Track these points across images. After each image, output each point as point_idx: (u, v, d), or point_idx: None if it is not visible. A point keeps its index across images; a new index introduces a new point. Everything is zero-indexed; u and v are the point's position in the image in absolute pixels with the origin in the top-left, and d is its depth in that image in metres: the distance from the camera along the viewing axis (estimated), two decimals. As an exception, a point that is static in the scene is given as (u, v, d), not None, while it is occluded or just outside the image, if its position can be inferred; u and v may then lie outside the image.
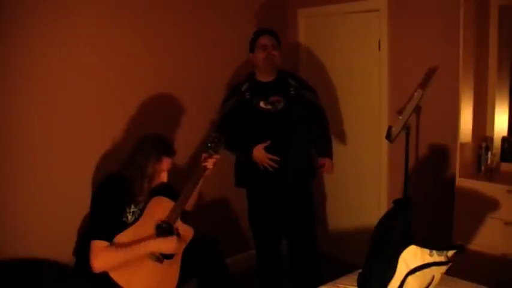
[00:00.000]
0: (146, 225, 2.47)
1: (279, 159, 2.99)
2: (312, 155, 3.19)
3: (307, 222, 3.22)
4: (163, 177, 2.55)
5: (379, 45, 3.52)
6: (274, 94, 3.05)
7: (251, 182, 3.15)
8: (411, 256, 1.91)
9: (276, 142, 3.01)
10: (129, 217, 2.46)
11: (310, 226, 3.23)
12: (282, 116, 3.04)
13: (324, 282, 2.34)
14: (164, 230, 2.51)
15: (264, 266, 3.28)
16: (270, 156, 2.98)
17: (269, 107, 3.03)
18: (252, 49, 3.11)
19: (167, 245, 2.45)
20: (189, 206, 2.79)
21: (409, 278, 1.91)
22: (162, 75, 3.25)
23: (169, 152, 2.53)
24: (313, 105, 3.18)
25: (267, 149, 2.99)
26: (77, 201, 2.80)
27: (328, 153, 3.17)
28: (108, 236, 2.34)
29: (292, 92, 3.08)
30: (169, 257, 2.52)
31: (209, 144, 2.71)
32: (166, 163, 2.51)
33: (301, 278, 3.23)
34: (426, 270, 1.92)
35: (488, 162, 2.96)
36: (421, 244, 1.91)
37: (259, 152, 2.98)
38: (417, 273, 1.91)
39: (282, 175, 3.03)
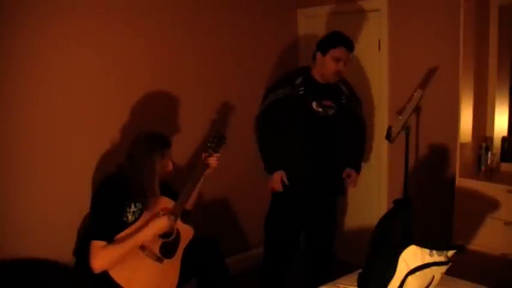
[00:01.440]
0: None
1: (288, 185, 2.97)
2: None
3: (330, 230, 3.20)
4: (170, 165, 2.57)
5: (379, 45, 3.52)
6: (327, 98, 2.96)
7: (297, 183, 3.02)
8: (411, 256, 1.91)
9: (321, 148, 2.98)
10: (130, 217, 2.46)
11: (331, 234, 3.21)
12: (331, 123, 2.98)
13: (324, 282, 2.35)
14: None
15: (272, 268, 3.18)
16: (281, 187, 2.96)
17: (320, 109, 2.94)
18: (322, 51, 2.91)
19: (159, 224, 2.44)
20: (189, 205, 2.79)
21: (409, 278, 1.91)
22: (161, 75, 3.25)
23: (167, 143, 2.55)
24: (358, 118, 3.15)
25: (308, 157, 2.97)
26: (77, 201, 2.80)
27: (357, 165, 3.13)
28: (108, 236, 2.34)
29: (344, 101, 3.02)
30: (169, 256, 2.52)
31: (209, 144, 2.71)
32: (168, 154, 2.54)
33: (315, 281, 3.20)
34: (426, 270, 1.92)
35: (488, 162, 2.96)
36: (421, 244, 1.91)
37: (277, 180, 2.96)
38: (417, 273, 1.91)
39: (321, 185, 3.02)
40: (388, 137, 2.97)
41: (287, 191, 3.02)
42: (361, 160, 3.19)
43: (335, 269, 3.19)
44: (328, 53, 2.87)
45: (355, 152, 3.16)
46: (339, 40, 2.89)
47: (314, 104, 2.93)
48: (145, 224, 2.43)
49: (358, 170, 3.14)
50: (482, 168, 2.98)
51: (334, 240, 3.25)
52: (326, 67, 2.90)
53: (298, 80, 2.96)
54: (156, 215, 2.47)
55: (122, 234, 2.37)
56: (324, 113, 2.95)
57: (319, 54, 2.93)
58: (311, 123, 2.95)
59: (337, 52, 2.86)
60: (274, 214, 3.15)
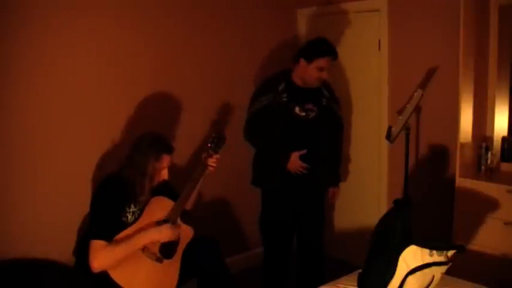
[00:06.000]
0: (146, 225, 2.47)
1: (309, 167, 3.01)
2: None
3: (319, 226, 3.24)
4: (164, 174, 2.55)
5: (379, 45, 3.52)
6: (309, 101, 3.03)
7: (270, 180, 3.12)
8: (411, 256, 1.91)
9: (305, 149, 3.01)
10: (129, 217, 2.46)
11: (320, 230, 3.25)
12: (313, 125, 3.04)
13: (324, 282, 2.35)
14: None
15: (272, 266, 3.23)
16: (304, 165, 3.00)
17: (303, 114, 3.01)
18: (308, 58, 2.93)
19: (162, 232, 2.44)
20: (189, 205, 2.79)
21: (409, 278, 1.91)
22: (162, 75, 3.25)
23: (168, 149, 2.53)
24: (338, 118, 3.22)
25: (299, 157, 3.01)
26: (77, 201, 2.80)
27: (337, 181, 3.27)
28: (108, 236, 2.34)
29: (324, 103, 3.08)
30: (169, 256, 2.52)
31: (209, 145, 2.71)
32: (165, 160, 2.51)
33: (307, 279, 3.22)
34: (426, 270, 1.92)
35: (488, 162, 2.96)
36: (421, 244, 1.91)
37: (295, 160, 2.99)
38: (417, 273, 1.91)
39: (306, 182, 3.04)
40: (388, 137, 2.97)
41: (275, 187, 3.11)
42: (338, 172, 3.29)
43: (335, 268, 3.19)
44: (314, 62, 2.92)
45: (334, 164, 3.24)
46: (325, 50, 2.93)
47: (297, 109, 3.00)
48: (148, 226, 2.43)
49: (337, 183, 3.27)
50: (482, 168, 2.98)
51: (323, 235, 3.28)
52: (308, 73, 2.96)
53: (281, 86, 3.01)
54: (161, 223, 2.47)
55: (122, 234, 2.38)
56: (306, 116, 3.02)
57: (303, 61, 2.96)
58: (294, 127, 3.02)
59: (322, 62, 2.91)
60: (266, 211, 3.20)
